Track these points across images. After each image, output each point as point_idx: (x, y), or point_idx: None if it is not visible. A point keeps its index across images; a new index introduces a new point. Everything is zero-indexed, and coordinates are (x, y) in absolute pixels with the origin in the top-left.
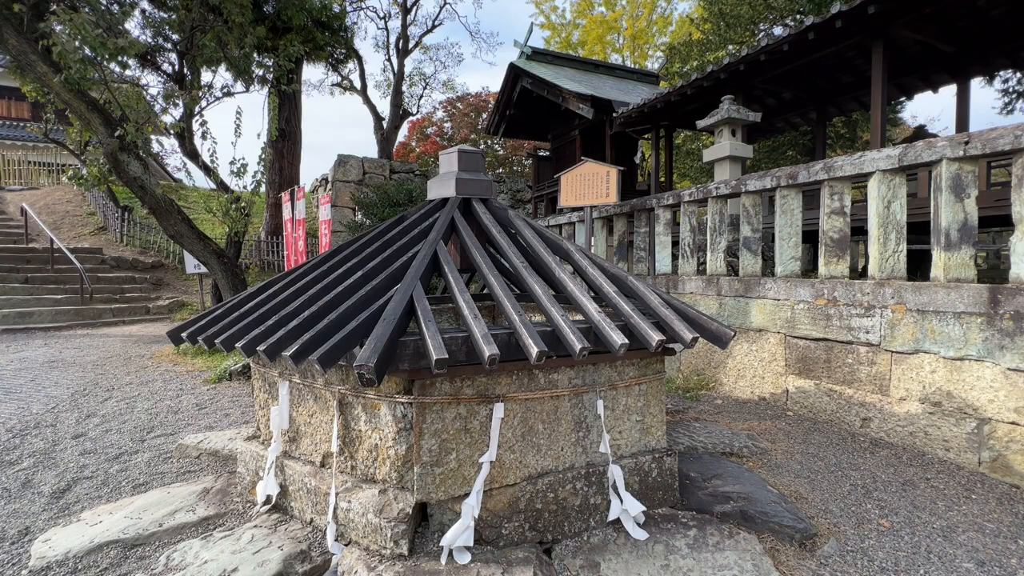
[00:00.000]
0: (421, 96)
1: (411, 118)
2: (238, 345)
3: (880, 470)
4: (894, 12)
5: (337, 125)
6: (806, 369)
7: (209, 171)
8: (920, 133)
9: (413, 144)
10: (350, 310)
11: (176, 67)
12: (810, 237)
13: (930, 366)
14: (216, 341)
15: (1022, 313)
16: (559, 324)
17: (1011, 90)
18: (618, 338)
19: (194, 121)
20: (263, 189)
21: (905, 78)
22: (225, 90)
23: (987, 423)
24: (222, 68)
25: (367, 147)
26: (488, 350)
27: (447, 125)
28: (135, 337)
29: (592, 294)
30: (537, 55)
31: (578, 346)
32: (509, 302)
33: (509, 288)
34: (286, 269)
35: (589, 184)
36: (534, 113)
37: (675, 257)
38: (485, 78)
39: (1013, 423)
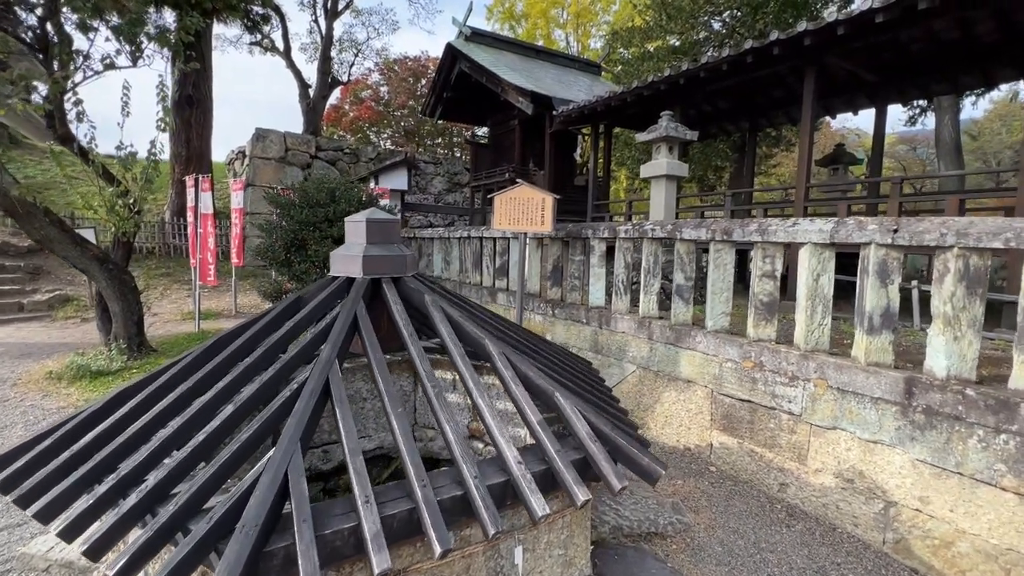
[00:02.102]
0: (352, 64)
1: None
2: (55, 529)
3: (795, 551)
4: (826, 44)
5: (262, 86)
6: (731, 427)
7: (87, 159)
8: (839, 152)
9: (346, 108)
10: (209, 483)
11: (37, 31)
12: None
13: (846, 444)
14: (30, 511)
15: (933, 408)
16: (474, 497)
17: (916, 106)
18: (539, 508)
19: (66, 100)
20: (165, 156)
21: (830, 99)
22: (107, 61)
23: (894, 506)
24: (103, 33)
25: (297, 112)
26: (379, 565)
27: (384, 89)
28: (1, 346)
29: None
30: (476, 36)
31: (492, 530)
32: (415, 471)
33: (413, 440)
34: (191, 263)
35: (524, 209)
36: (473, 98)
37: (610, 289)
38: (424, 45)
39: (917, 510)
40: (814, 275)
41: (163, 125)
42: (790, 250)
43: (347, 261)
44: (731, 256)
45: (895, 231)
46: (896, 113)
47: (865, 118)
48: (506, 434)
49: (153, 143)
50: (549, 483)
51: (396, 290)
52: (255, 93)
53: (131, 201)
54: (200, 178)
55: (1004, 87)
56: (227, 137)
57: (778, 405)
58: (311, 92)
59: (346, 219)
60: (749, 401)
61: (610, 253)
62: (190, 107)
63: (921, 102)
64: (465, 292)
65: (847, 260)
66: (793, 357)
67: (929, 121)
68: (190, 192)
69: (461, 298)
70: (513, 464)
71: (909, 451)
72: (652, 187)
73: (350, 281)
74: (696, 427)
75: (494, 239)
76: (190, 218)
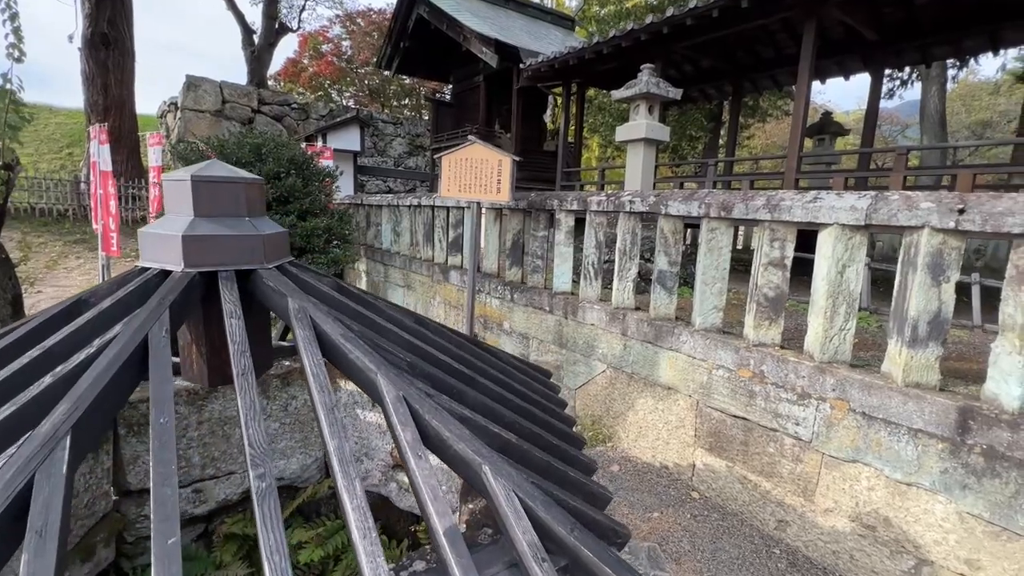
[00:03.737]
0: (303, 8)
1: (299, 32)
2: None
3: None
4: None
5: (207, 33)
6: (719, 447)
7: None
8: (826, 121)
9: (305, 62)
10: None
11: None
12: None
13: (869, 482)
14: None
15: (997, 451)
16: None
17: (896, 78)
18: None
19: None
20: (17, 94)
21: (823, 62)
22: None
23: (928, 565)
24: None
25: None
26: None
27: (345, 43)
28: None
29: None
30: None
31: None
32: None
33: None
34: (94, 229)
35: (477, 173)
36: (434, 49)
37: (579, 271)
38: None
39: (961, 574)
40: (839, 266)
41: (16, 52)
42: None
43: (159, 244)
44: (728, 237)
45: (961, 211)
46: (860, 90)
47: (838, 92)
48: None
49: (5, 76)
50: None
51: (240, 292)
52: (199, 43)
53: None
54: (99, 127)
55: (979, 61)
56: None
57: (781, 427)
58: (255, 39)
59: (164, 178)
60: (744, 419)
61: (579, 228)
62: (106, 47)
63: (901, 74)
64: (416, 268)
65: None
66: (805, 369)
67: (892, 101)
68: (92, 144)
69: (364, 300)
70: None
71: (957, 501)
72: (628, 152)
73: (163, 278)
74: (676, 443)
75: (447, 209)
76: (92, 178)
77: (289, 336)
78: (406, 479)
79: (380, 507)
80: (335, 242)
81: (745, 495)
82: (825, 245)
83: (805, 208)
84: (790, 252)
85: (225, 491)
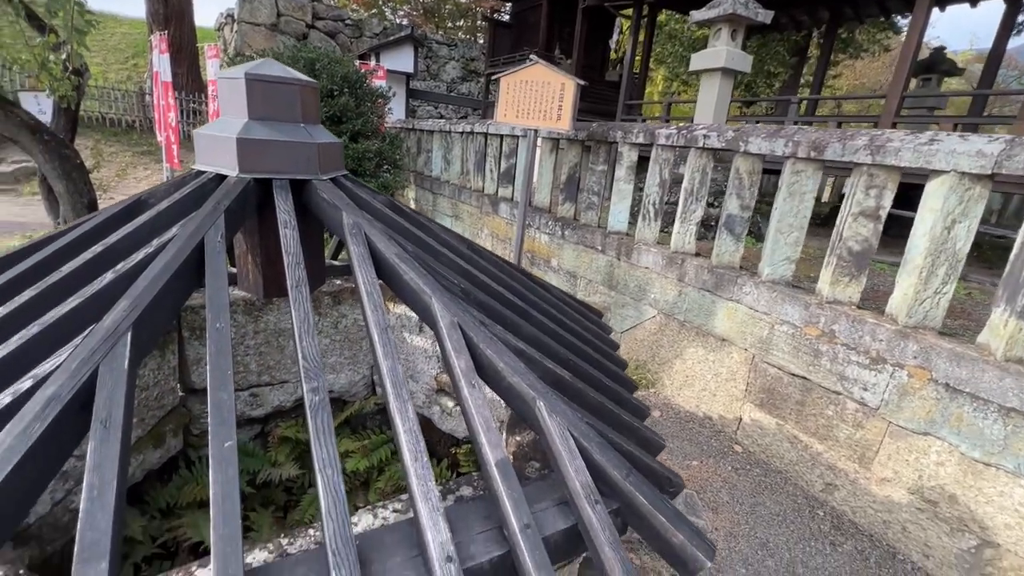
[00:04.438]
0: None
1: None
2: None
3: None
4: None
5: None
6: (771, 403)
7: None
8: (937, 58)
9: None
10: None
11: None
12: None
13: (938, 457)
14: None
15: None
16: None
17: None
18: None
19: None
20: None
21: None
22: None
23: (993, 547)
24: None
25: None
26: None
27: None
28: None
29: None
30: None
31: None
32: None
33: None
34: (159, 140)
35: (537, 97)
36: None
37: (636, 211)
38: None
39: None
40: (947, 221)
41: None
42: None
43: (214, 146)
44: (815, 182)
45: None
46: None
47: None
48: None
49: None
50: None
51: (294, 203)
52: None
53: (64, 56)
54: (159, 36)
55: None
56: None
57: (846, 390)
58: None
59: (219, 75)
60: (804, 378)
61: (642, 165)
62: None
63: None
64: (464, 198)
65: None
66: (884, 332)
67: (1020, 37)
68: (152, 55)
69: (418, 221)
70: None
71: None
72: (702, 84)
73: (219, 181)
74: (724, 395)
75: (501, 136)
76: (155, 89)
77: (341, 255)
78: (448, 403)
79: (423, 428)
80: (385, 166)
81: (793, 454)
82: (934, 196)
83: (917, 151)
84: (888, 202)
85: (279, 398)
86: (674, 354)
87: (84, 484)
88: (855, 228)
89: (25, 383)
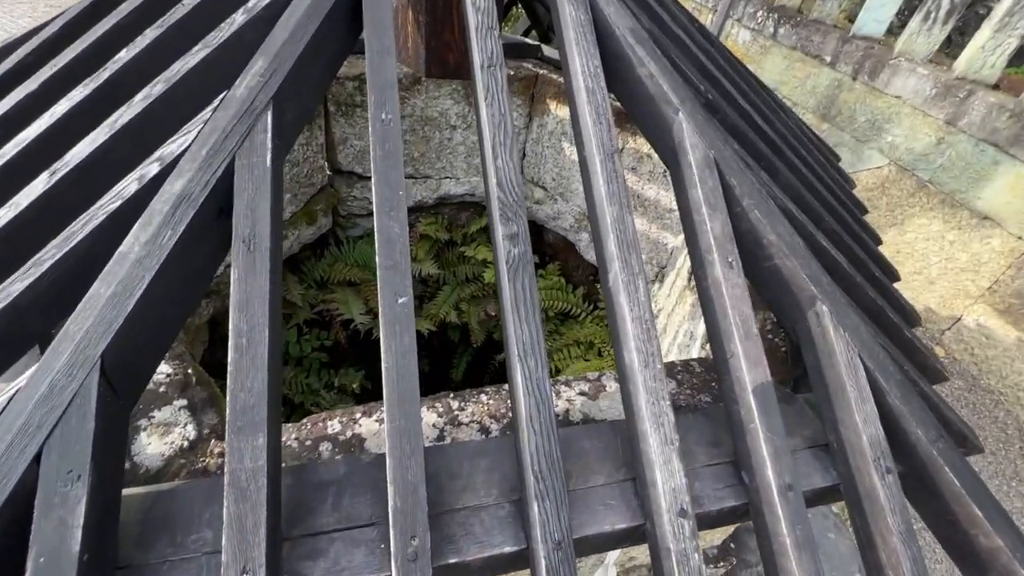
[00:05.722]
0: None
1: None
2: None
3: None
4: None
5: None
6: (1014, 311)
7: None
8: None
9: None
10: None
11: None
12: None
13: None
14: None
15: None
16: None
17: None
18: None
19: None
20: None
21: None
22: None
23: None
24: None
25: None
26: None
27: None
28: None
29: None
30: None
31: None
32: None
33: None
34: None
35: None
36: None
37: (904, 10)
38: None
39: None
40: None
41: None
42: None
43: None
44: None
45: None
46: None
47: None
48: None
49: None
50: None
51: None
52: None
53: None
54: None
55: None
56: None
57: None
58: None
59: None
60: None
61: None
62: None
63: None
64: None
65: None
66: None
67: None
68: None
69: None
70: None
71: None
72: None
73: None
74: (947, 287)
75: None
76: None
77: (532, 31)
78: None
79: (563, 248)
80: None
81: (1017, 376)
82: None
83: None
84: None
85: (422, 192)
86: (891, 221)
87: (230, 326)
88: None
89: (151, 167)
